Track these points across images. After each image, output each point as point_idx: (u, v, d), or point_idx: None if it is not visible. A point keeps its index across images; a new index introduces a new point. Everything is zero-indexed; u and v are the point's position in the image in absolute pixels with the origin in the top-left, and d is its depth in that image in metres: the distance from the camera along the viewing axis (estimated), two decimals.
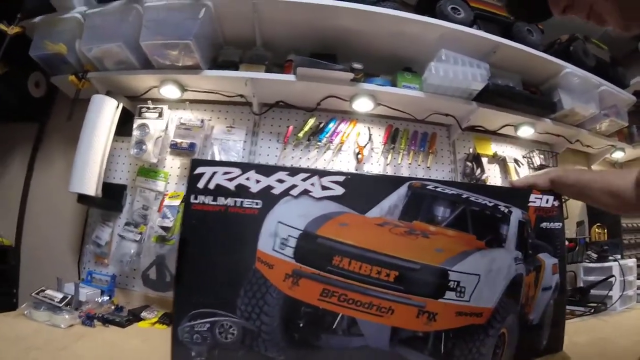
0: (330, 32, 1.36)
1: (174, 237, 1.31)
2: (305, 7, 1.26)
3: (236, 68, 1.33)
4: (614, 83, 1.70)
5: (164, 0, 1.28)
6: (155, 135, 1.39)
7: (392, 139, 1.44)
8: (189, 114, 1.45)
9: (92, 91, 1.35)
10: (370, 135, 1.43)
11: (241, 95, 1.42)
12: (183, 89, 1.39)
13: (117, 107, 1.37)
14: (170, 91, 1.39)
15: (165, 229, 1.33)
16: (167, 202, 1.38)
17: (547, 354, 0.85)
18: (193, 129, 1.42)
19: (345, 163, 1.41)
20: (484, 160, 1.55)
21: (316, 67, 1.26)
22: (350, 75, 1.28)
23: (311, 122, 1.41)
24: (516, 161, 1.61)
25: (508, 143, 1.66)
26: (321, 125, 1.41)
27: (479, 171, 1.50)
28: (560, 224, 0.92)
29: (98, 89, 1.38)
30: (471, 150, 1.55)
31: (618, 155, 1.91)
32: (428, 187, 0.88)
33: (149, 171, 1.43)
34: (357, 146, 1.41)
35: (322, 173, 0.82)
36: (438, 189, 0.89)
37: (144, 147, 1.38)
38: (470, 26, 1.39)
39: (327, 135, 1.40)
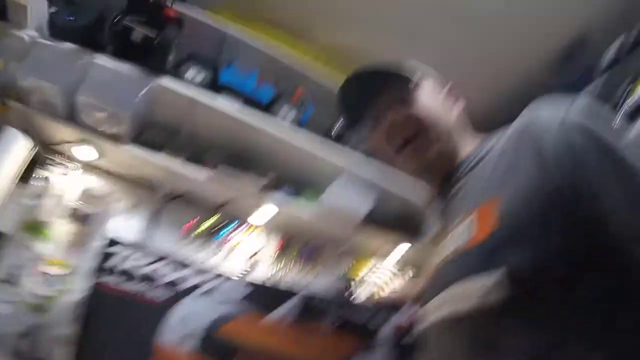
0: (251, 143, 1.59)
1: (50, 310, 1.34)
2: (233, 120, 1.49)
3: (159, 150, 1.44)
4: None
5: (113, 64, 1.34)
6: (56, 193, 1.42)
7: (284, 248, 1.68)
8: (97, 181, 1.52)
9: (4, 122, 1.33)
10: (264, 243, 1.65)
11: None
12: (100, 155, 1.45)
13: (31, 149, 1.39)
14: (86, 153, 1.43)
15: (40, 297, 1.36)
16: (45, 268, 1.39)
17: None
18: (97, 199, 1.50)
19: (237, 265, 1.53)
20: (358, 277, 1.85)
21: (231, 175, 1.45)
22: (260, 185, 1.50)
23: (213, 219, 1.58)
24: (390, 278, 1.97)
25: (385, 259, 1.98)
26: (222, 225, 1.60)
27: (354, 286, 1.82)
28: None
29: (14, 122, 1.35)
30: (350, 264, 1.84)
31: None
32: (316, 296, 1.12)
33: (36, 228, 1.41)
34: (252, 251, 1.62)
35: (229, 277, 1.02)
36: (323, 302, 1.13)
37: (39, 201, 1.41)
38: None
39: (224, 235, 1.58)
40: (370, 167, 1.70)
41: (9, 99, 1.33)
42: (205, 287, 0.99)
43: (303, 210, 1.59)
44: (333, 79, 1.87)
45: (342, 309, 1.13)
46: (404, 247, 1.94)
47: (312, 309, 1.08)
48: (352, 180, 1.68)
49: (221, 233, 1.59)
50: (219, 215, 1.60)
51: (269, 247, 1.66)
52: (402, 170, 0.71)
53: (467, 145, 0.69)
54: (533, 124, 0.53)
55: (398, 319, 1.12)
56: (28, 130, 1.40)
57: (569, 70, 1.94)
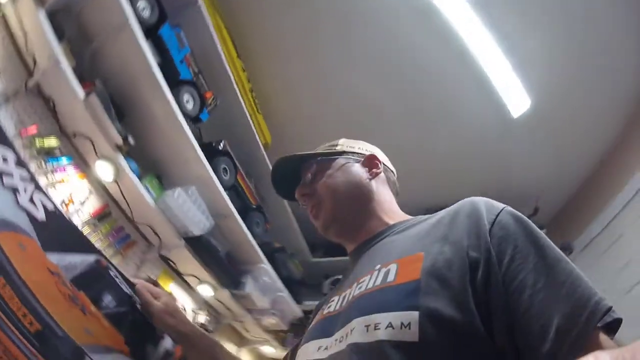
0: (137, 99, 1.66)
1: None
2: (143, 64, 1.55)
3: (59, 38, 1.38)
4: (293, 296, 2.55)
5: None
6: None
7: (100, 217, 1.65)
8: None
9: None
10: (87, 199, 1.63)
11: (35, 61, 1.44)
12: None
13: None
14: None
15: None
16: None
17: None
18: None
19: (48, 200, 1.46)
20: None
21: (104, 108, 1.46)
22: (119, 141, 1.52)
23: (52, 141, 1.48)
24: (183, 309, 2.06)
25: (186, 290, 2.11)
26: (57, 153, 1.51)
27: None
28: None
29: None
30: (152, 276, 1.86)
31: (267, 349, 2.70)
32: (110, 272, 1.04)
33: None
34: (69, 197, 1.57)
35: (41, 189, 0.94)
36: (117, 280, 1.04)
37: None
38: (227, 189, 1.98)
39: (53, 164, 1.49)
40: (220, 198, 1.94)
41: None
42: (13, 182, 0.97)
43: (141, 193, 1.65)
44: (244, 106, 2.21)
45: (130, 300, 1.07)
46: (207, 290, 2.11)
47: (98, 281, 1.02)
48: (201, 197, 1.87)
49: (54, 159, 1.49)
50: (60, 142, 1.52)
51: (88, 205, 1.62)
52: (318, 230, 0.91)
53: (384, 212, 0.88)
54: (478, 203, 0.67)
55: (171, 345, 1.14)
56: None
57: None
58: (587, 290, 0.52)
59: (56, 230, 1.01)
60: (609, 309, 0.49)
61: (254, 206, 2.31)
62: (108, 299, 1.02)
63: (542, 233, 0.61)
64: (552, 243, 0.59)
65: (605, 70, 2.25)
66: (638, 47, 2.17)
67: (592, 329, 0.48)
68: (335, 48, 2.38)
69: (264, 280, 2.30)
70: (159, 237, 1.85)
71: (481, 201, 0.68)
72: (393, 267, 0.65)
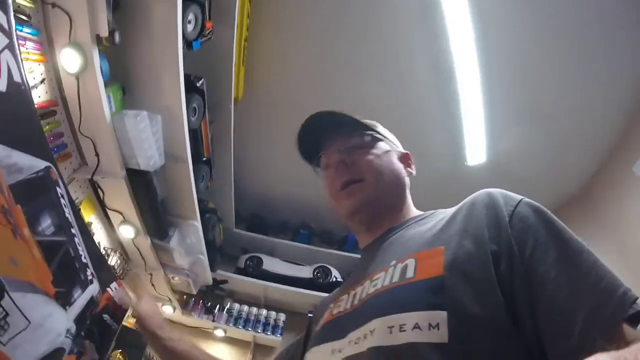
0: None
1: None
2: None
3: None
4: (210, 263, 2.42)
5: None
6: None
7: (43, 114, 1.32)
8: None
9: None
10: (36, 87, 1.28)
11: None
12: None
13: None
14: None
15: None
16: None
17: None
18: None
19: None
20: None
21: (109, 7, 1.23)
22: (104, 33, 1.28)
23: (25, 1, 1.17)
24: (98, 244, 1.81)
25: (105, 226, 1.90)
26: (23, 19, 1.19)
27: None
28: (118, 325, 1.11)
29: None
30: (78, 200, 1.63)
31: (166, 309, 2.58)
32: (58, 189, 0.90)
33: None
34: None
35: (15, 51, 0.78)
36: (62, 201, 0.89)
37: None
38: (190, 131, 1.77)
39: (21, 32, 1.16)
40: (182, 139, 1.74)
41: None
42: None
43: (101, 99, 1.39)
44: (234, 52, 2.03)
45: (67, 233, 0.92)
46: (129, 231, 1.89)
47: (42, 196, 0.86)
48: (160, 131, 1.64)
49: (17, 26, 1.14)
50: (34, 6, 1.21)
51: (34, 94, 1.29)
52: (339, 209, 0.82)
53: (406, 209, 0.83)
54: (495, 195, 0.64)
55: (111, 291, 1.07)
56: None
57: None
58: (612, 281, 0.50)
59: (12, 113, 0.82)
60: (636, 299, 0.47)
61: (205, 158, 2.14)
62: (46, 223, 0.85)
63: (562, 224, 0.58)
64: (573, 234, 0.56)
65: (564, 146, 2.57)
66: (595, 127, 2.50)
67: (619, 321, 0.46)
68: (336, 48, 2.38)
69: (190, 239, 2.14)
70: (98, 157, 1.58)
71: (497, 192, 0.65)
72: (411, 263, 0.61)
